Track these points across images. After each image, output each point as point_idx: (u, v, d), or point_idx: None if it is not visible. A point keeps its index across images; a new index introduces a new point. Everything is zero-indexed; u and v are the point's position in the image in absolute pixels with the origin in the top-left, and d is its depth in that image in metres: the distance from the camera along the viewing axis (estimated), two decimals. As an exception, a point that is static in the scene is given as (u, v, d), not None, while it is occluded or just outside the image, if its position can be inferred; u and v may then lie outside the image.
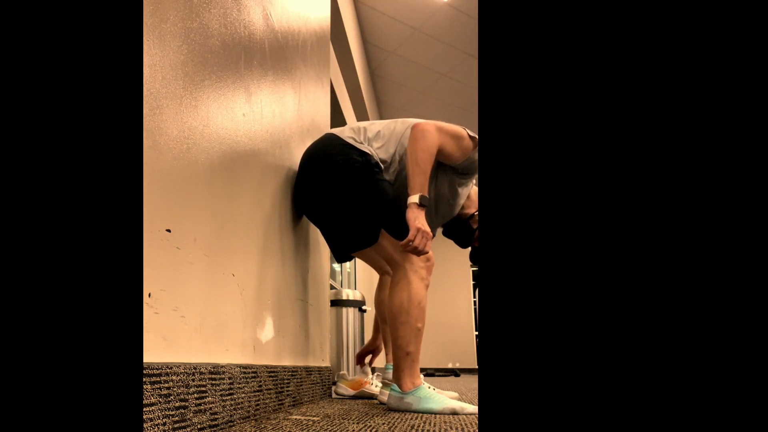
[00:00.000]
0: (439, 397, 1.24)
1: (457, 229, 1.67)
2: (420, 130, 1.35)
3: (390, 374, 1.68)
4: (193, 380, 0.78)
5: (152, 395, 0.67)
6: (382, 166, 1.43)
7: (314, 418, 1.08)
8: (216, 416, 0.86)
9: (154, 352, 0.69)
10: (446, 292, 7.95)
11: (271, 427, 0.92)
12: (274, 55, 1.37)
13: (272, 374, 1.18)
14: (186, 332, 0.78)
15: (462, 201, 1.58)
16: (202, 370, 0.81)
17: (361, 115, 4.66)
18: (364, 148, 1.41)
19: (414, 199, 1.28)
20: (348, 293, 2.42)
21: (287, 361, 1.35)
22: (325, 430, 0.90)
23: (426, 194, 1.30)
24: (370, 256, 1.52)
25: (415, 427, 0.94)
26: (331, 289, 2.43)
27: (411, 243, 1.25)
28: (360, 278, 5.02)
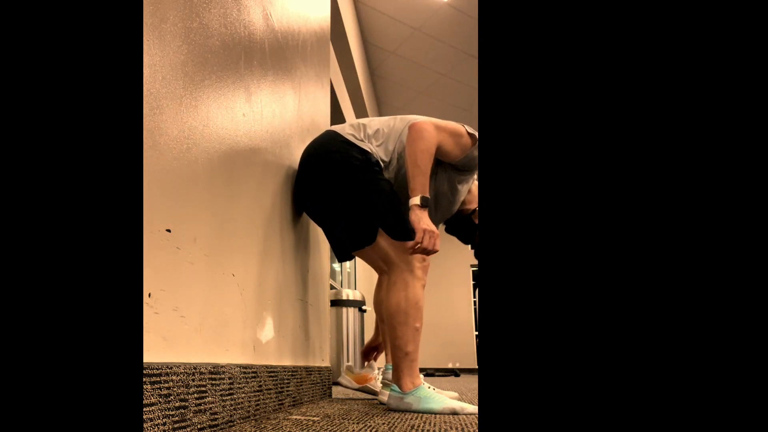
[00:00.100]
0: (439, 397, 1.24)
1: (459, 226, 1.67)
2: (418, 129, 1.33)
3: (390, 374, 1.68)
4: (193, 380, 0.78)
5: (152, 395, 0.67)
6: (381, 164, 1.42)
7: (314, 418, 1.08)
8: (216, 416, 0.86)
9: (154, 352, 0.69)
10: (446, 292, 7.94)
11: (271, 427, 0.92)
12: (274, 55, 1.37)
13: (272, 374, 1.18)
14: (186, 332, 0.78)
15: (462, 197, 1.57)
16: (202, 370, 0.81)
17: (361, 115, 4.66)
18: (365, 145, 1.40)
19: (415, 201, 1.27)
20: (348, 293, 2.42)
21: (287, 361, 1.35)
22: (325, 430, 0.90)
23: (427, 194, 1.29)
24: (370, 256, 1.52)
25: (415, 427, 0.94)
26: (331, 289, 2.43)
27: (419, 245, 1.24)
28: (360, 278, 5.02)
